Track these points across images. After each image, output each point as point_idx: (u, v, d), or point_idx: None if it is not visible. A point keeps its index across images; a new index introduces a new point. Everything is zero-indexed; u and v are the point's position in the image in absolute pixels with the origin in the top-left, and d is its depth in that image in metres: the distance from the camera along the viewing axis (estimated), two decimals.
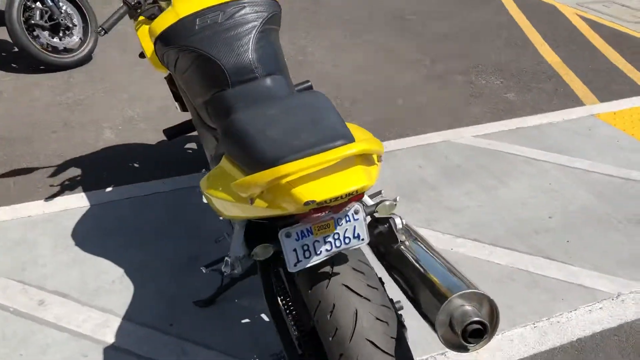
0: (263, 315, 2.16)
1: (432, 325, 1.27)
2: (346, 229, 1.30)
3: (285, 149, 1.15)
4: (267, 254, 1.32)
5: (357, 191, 1.09)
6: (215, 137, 1.80)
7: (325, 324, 1.34)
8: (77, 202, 2.72)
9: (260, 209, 1.15)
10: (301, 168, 1.03)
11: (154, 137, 3.32)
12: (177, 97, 2.40)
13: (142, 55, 2.51)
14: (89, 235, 2.51)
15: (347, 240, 1.32)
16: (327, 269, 1.34)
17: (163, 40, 1.82)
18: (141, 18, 2.28)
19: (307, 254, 1.28)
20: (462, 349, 1.26)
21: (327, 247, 1.30)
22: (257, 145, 1.21)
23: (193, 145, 3.27)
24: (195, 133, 3.31)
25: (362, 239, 1.34)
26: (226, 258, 1.62)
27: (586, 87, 4.22)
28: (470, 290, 1.24)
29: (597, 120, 3.70)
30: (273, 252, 1.37)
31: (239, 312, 2.16)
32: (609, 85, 4.24)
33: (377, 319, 1.33)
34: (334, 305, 1.34)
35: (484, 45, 4.90)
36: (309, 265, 1.31)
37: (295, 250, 1.27)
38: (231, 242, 1.70)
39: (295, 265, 1.29)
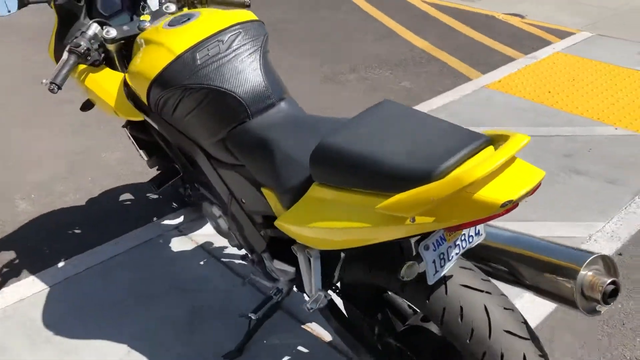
0: (301, 348, 2.06)
1: (566, 302, 1.32)
2: (470, 228, 1.30)
3: (434, 158, 1.11)
4: (413, 274, 1.27)
5: (540, 182, 1.09)
6: (240, 173, 1.68)
7: (458, 328, 1.33)
8: (31, 288, 2.37)
9: (418, 226, 1.10)
10: (487, 171, 1.01)
11: (77, 197, 2.99)
12: (144, 145, 2.20)
13: (87, 107, 2.25)
14: (65, 320, 2.20)
15: (470, 239, 1.32)
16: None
17: (161, 83, 1.66)
18: (82, 66, 2.04)
19: (442, 262, 1.26)
20: (597, 312, 1.33)
21: (457, 250, 1.29)
22: (390, 162, 1.16)
23: (127, 196, 3.00)
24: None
25: (481, 234, 1.35)
26: (317, 294, 1.54)
27: (464, 63, 4.59)
28: (594, 256, 1.31)
29: (488, 90, 4.05)
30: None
31: (276, 351, 2.05)
32: (482, 59, 4.65)
33: (505, 308, 1.35)
34: (461, 307, 1.33)
35: (357, 43, 5.09)
36: (443, 273, 1.28)
37: (434, 261, 1.24)
38: (303, 276, 1.61)
39: (434, 275, 1.26)
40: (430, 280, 1.26)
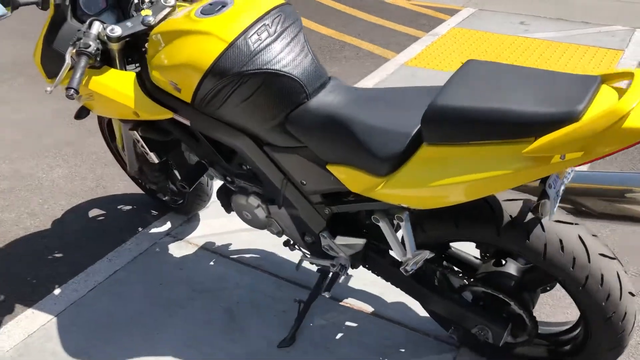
0: (349, 324, 2.11)
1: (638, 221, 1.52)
2: None
3: (571, 100, 1.22)
4: (547, 211, 1.36)
5: None
6: (301, 154, 1.68)
7: (561, 259, 1.47)
8: (35, 321, 2.15)
9: (567, 162, 1.20)
10: (637, 101, 1.14)
11: (38, 222, 2.74)
12: (154, 147, 2.10)
13: (82, 114, 2.10)
14: (91, 345, 2.05)
15: (568, 176, 1.46)
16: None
17: (217, 73, 1.61)
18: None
19: (557, 198, 1.39)
20: None
21: (563, 187, 1.42)
22: (525, 111, 1.25)
23: (96, 211, 2.81)
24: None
25: (572, 172, 1.49)
26: (415, 254, 1.61)
27: (376, 45, 4.81)
28: None
29: (409, 67, 4.30)
30: None
31: (327, 331, 2.08)
32: (390, 40, 4.91)
33: (593, 235, 1.52)
34: (560, 240, 1.48)
35: None
36: (555, 209, 1.41)
37: (554, 198, 1.37)
38: (391, 242, 1.66)
39: (554, 211, 1.38)
40: (552, 216, 1.38)
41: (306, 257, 1.99)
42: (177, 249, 2.51)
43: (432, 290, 1.77)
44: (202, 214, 2.71)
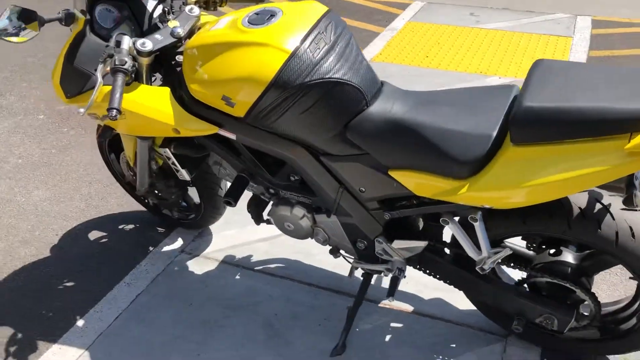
0: (394, 325, 2.12)
1: None
2: None
3: None
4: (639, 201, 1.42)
5: None
6: (361, 162, 1.67)
7: (633, 244, 1.55)
8: (66, 356, 2.02)
9: None
10: None
11: (35, 250, 2.56)
12: (186, 164, 2.01)
13: (106, 135, 1.97)
14: None
15: None
16: None
17: (280, 84, 1.56)
18: (106, 88, 1.81)
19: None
20: None
21: None
22: (621, 108, 1.30)
23: (96, 233, 2.66)
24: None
25: None
26: (492, 253, 1.63)
27: None
28: None
29: (377, 62, 4.34)
30: None
31: (375, 334, 2.08)
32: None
33: None
34: (630, 227, 1.55)
35: None
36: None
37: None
38: (463, 242, 1.68)
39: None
40: None
41: (356, 263, 1.98)
42: (197, 266, 2.42)
43: (496, 286, 1.81)
44: (213, 227, 2.63)
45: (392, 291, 1.92)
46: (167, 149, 1.99)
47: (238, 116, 1.70)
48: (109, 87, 1.80)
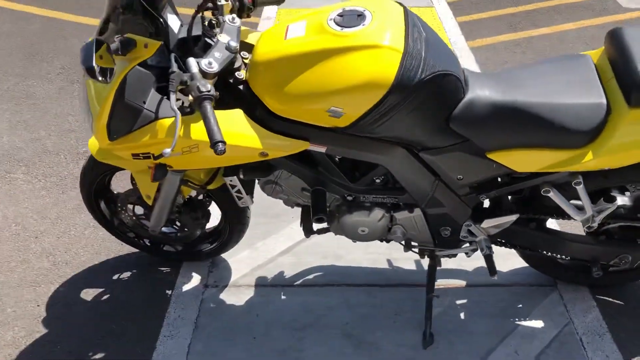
0: (462, 302, 2.19)
1: None
2: None
3: None
4: None
5: None
6: (461, 150, 1.68)
7: None
8: None
9: None
10: None
11: (42, 306, 2.14)
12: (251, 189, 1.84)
13: (160, 175, 1.71)
14: None
15: None
16: None
17: (403, 85, 1.51)
18: (166, 122, 1.59)
19: None
20: None
21: None
22: None
23: (92, 291, 2.29)
24: None
25: None
26: (599, 213, 1.75)
27: None
28: None
29: None
30: None
31: (451, 316, 2.12)
32: None
33: None
34: None
35: None
36: None
37: None
38: (567, 208, 1.78)
39: None
40: None
41: (438, 252, 1.99)
42: (233, 297, 2.23)
43: (579, 240, 1.96)
44: (221, 255, 2.41)
45: (493, 268, 1.97)
46: (234, 177, 1.79)
47: (338, 126, 1.60)
48: (168, 120, 1.59)
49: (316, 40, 1.55)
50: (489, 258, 1.93)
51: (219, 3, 1.72)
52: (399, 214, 1.89)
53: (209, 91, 1.45)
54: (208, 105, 1.45)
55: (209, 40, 1.67)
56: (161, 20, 1.62)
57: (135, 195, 2.12)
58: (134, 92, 1.57)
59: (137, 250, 2.41)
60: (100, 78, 1.43)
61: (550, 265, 2.16)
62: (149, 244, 2.34)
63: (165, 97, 1.62)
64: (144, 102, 1.61)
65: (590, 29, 4.47)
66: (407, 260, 2.34)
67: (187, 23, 1.69)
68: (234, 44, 1.63)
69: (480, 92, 1.65)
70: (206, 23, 1.72)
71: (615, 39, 1.66)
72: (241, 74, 1.69)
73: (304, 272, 2.33)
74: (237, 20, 1.72)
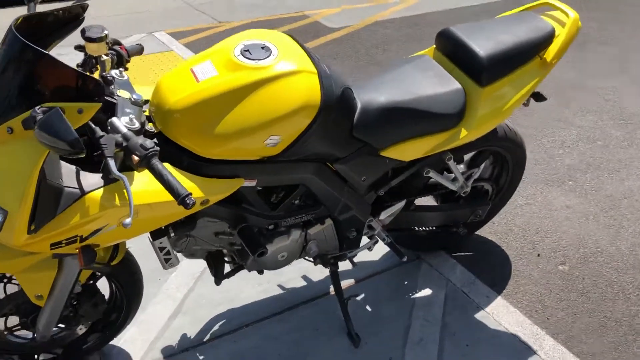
0: (366, 297, 2.36)
1: None
2: None
3: None
4: None
5: None
6: (365, 153, 1.85)
7: None
8: None
9: None
10: None
11: None
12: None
13: (90, 259, 1.48)
14: None
15: None
16: None
17: (327, 103, 1.62)
18: (96, 195, 1.44)
19: None
20: None
21: None
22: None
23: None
24: None
25: None
26: (469, 182, 2.09)
27: None
28: None
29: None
30: None
31: (363, 308, 2.27)
32: None
33: None
34: None
35: None
36: None
37: None
38: (449, 179, 2.09)
39: None
40: None
41: (348, 254, 2.12)
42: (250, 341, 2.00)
43: (443, 210, 2.30)
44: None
45: (400, 251, 2.16)
46: (164, 238, 1.64)
47: (270, 156, 1.62)
48: (97, 192, 1.42)
49: (235, 76, 1.55)
50: (392, 244, 2.14)
51: (100, 59, 1.57)
52: (312, 229, 1.96)
53: (152, 147, 1.34)
54: (157, 162, 1.33)
55: (109, 99, 1.51)
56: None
57: (7, 305, 1.76)
58: (49, 170, 1.35)
59: None
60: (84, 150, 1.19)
61: (414, 240, 2.49)
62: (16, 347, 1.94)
63: (79, 169, 1.43)
64: (62, 180, 1.39)
65: (324, 47, 5.08)
66: (296, 279, 2.42)
67: None
68: (137, 97, 1.52)
69: (367, 100, 1.84)
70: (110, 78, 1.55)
71: (447, 37, 2.04)
72: (151, 127, 1.57)
73: (206, 326, 2.22)
74: (125, 74, 1.60)
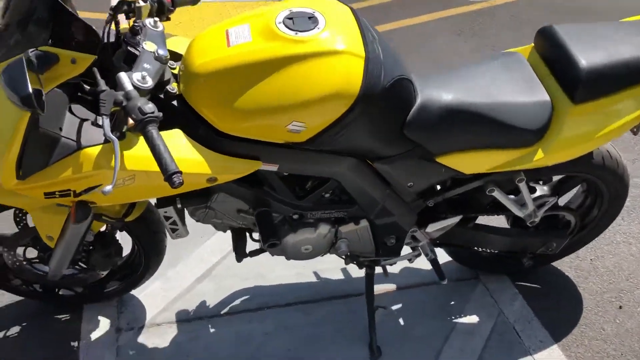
0: (395, 309, 2.15)
1: None
2: None
3: None
4: None
5: None
6: (412, 157, 1.61)
7: None
8: None
9: None
10: None
11: None
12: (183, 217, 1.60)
13: (83, 216, 1.41)
14: None
15: None
16: None
17: (368, 94, 1.38)
18: (90, 151, 1.33)
19: None
20: None
21: None
22: None
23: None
24: None
25: None
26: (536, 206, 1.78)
27: None
28: None
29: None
30: None
31: (397, 321, 2.07)
32: None
33: None
34: None
35: None
36: None
37: None
38: (514, 202, 1.80)
39: None
40: None
41: (382, 261, 1.91)
42: (154, 338, 1.96)
43: (508, 235, 2.00)
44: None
45: (441, 272, 1.93)
46: (170, 208, 1.54)
47: (294, 142, 1.44)
48: (94, 148, 1.32)
49: (269, 46, 1.37)
50: (435, 262, 1.89)
51: (136, 5, 1.45)
52: (344, 227, 1.77)
53: (152, 112, 1.20)
54: (154, 130, 1.20)
55: (132, 50, 1.39)
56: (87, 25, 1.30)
57: (27, 236, 1.76)
58: (48, 117, 1.27)
59: (20, 298, 2.03)
60: (44, 109, 1.10)
61: (474, 258, 2.20)
62: (39, 290, 1.97)
63: (87, 120, 1.34)
64: (61, 129, 1.31)
65: (450, 19, 4.68)
66: (334, 270, 2.24)
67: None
68: (163, 52, 1.39)
69: (430, 96, 1.58)
70: (121, 28, 1.44)
71: (548, 36, 1.69)
72: (173, 88, 1.45)
73: (228, 298, 2.12)
74: (160, 25, 1.47)
